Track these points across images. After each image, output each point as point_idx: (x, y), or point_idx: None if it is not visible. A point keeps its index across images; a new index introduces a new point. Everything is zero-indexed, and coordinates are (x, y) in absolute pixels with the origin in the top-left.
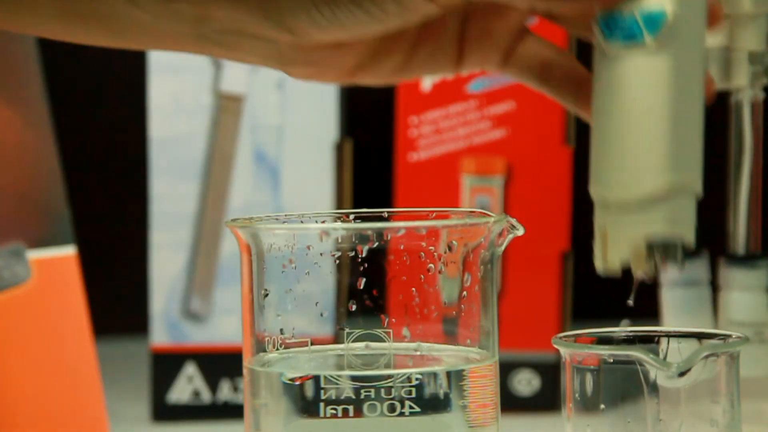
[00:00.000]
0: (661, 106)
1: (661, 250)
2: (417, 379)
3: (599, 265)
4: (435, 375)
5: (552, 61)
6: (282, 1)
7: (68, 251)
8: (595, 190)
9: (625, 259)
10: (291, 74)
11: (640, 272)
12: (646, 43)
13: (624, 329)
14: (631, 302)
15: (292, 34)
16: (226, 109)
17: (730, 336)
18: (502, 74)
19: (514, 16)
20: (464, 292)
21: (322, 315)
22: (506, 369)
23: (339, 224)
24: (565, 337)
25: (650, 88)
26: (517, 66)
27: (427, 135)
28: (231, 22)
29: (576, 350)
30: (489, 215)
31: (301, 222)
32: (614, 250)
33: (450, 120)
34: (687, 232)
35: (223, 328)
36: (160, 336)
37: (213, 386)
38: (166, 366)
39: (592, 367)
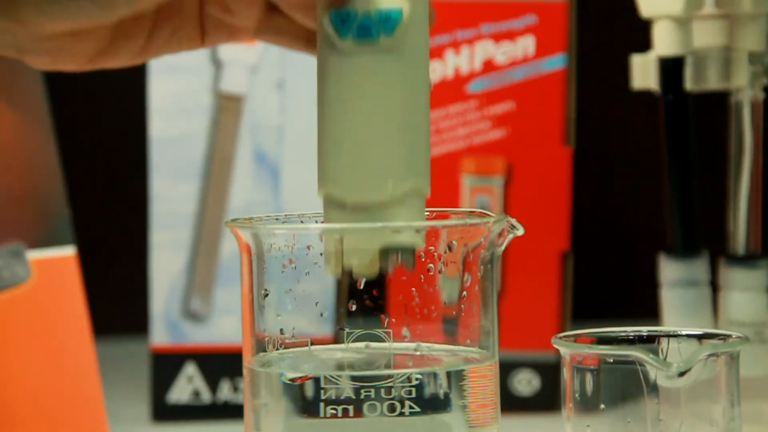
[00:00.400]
0: (399, 107)
1: (395, 254)
2: (417, 379)
3: (331, 270)
4: (435, 375)
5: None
6: None
7: (68, 251)
8: (327, 191)
9: (360, 263)
10: (31, 63)
11: (366, 274)
12: (380, 43)
13: (624, 329)
14: (353, 307)
15: (22, 25)
16: (226, 109)
17: (730, 336)
18: (259, 41)
19: None
20: (464, 292)
21: (322, 315)
22: (506, 369)
23: (339, 224)
24: (565, 337)
25: (385, 89)
26: (270, 34)
27: None
28: None
29: (576, 350)
30: (489, 215)
31: (301, 222)
32: (350, 254)
33: (450, 120)
34: (420, 235)
35: (223, 328)
36: (160, 336)
37: (213, 386)
38: (166, 366)
39: (592, 367)
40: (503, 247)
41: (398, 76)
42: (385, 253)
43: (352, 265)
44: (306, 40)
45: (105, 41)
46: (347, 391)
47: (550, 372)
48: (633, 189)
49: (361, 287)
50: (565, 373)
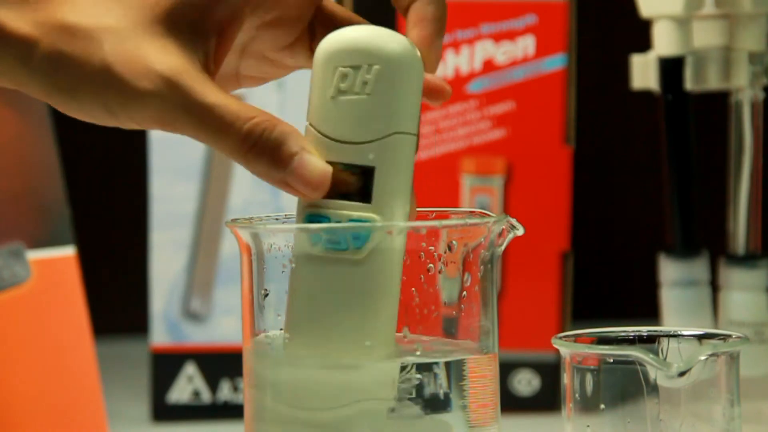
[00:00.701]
0: (362, 316)
1: None
2: (417, 378)
3: None
4: (435, 375)
5: None
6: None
7: (68, 251)
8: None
9: None
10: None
11: None
12: (349, 253)
13: (624, 329)
14: None
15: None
16: None
17: (730, 336)
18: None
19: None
20: (464, 292)
21: None
22: (506, 369)
23: (339, 224)
24: (565, 337)
25: (350, 296)
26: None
27: (427, 135)
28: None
29: (576, 350)
30: (489, 215)
31: None
32: None
33: (450, 120)
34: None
35: (223, 328)
36: (160, 336)
37: (213, 386)
38: (166, 366)
39: (592, 367)
40: (503, 247)
41: (364, 285)
42: None
43: None
44: None
45: None
46: None
47: (550, 372)
48: (633, 189)
49: None
50: (565, 373)
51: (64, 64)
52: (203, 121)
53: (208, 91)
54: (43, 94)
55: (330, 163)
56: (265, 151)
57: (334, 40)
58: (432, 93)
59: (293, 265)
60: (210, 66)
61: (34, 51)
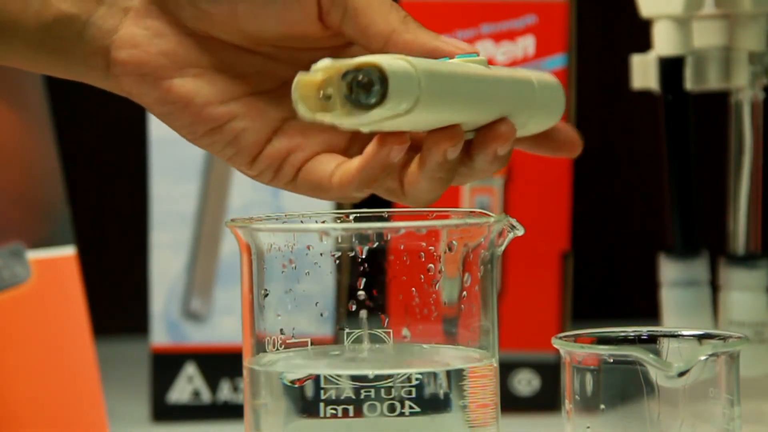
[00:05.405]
0: None
1: (359, 79)
2: (417, 379)
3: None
4: (435, 375)
5: None
6: None
7: (68, 251)
8: None
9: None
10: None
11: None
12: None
13: (624, 329)
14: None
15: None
16: None
17: (730, 336)
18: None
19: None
20: (464, 292)
21: (322, 315)
22: (506, 369)
23: (339, 224)
24: (565, 337)
25: None
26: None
27: None
28: None
29: (576, 350)
30: (489, 215)
31: (301, 222)
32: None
33: None
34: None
35: (223, 328)
36: (160, 336)
37: (213, 386)
38: (166, 366)
39: (592, 367)
40: (503, 247)
41: None
42: (348, 77)
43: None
44: None
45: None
46: (347, 391)
47: (550, 372)
48: (633, 189)
49: (362, 287)
50: (565, 373)
51: None
52: None
53: None
54: None
55: None
56: None
57: None
58: (564, 146)
59: None
60: None
61: None
